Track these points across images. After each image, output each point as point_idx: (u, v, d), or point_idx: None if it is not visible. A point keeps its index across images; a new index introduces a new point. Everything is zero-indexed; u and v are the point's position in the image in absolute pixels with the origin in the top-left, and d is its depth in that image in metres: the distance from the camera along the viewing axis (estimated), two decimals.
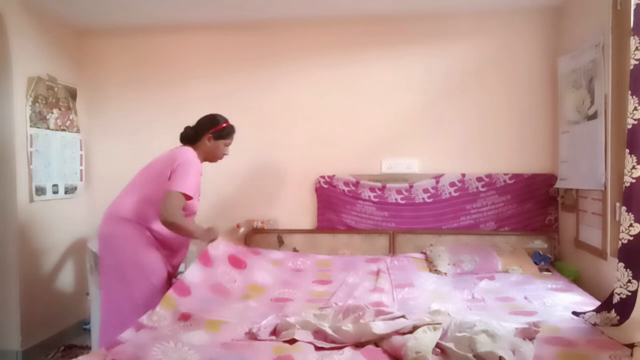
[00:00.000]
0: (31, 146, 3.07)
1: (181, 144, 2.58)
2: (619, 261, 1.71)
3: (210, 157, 2.60)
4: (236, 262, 2.49)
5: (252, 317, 1.96)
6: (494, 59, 3.29)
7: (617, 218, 2.32)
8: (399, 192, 3.33)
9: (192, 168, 2.38)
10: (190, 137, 2.57)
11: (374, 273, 2.75)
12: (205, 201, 3.64)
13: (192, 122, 3.57)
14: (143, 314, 1.92)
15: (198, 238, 2.40)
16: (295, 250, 3.35)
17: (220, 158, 2.63)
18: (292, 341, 1.67)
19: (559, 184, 3.06)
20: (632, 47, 1.76)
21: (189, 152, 2.45)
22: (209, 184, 3.55)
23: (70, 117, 3.46)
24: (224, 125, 2.58)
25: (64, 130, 3.38)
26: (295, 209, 3.48)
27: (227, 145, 2.60)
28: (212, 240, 2.42)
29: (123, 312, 2.27)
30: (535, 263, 2.95)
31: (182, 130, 2.61)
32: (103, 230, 2.42)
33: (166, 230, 2.32)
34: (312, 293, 2.45)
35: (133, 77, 3.64)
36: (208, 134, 2.53)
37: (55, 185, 3.29)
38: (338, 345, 1.64)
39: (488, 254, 2.95)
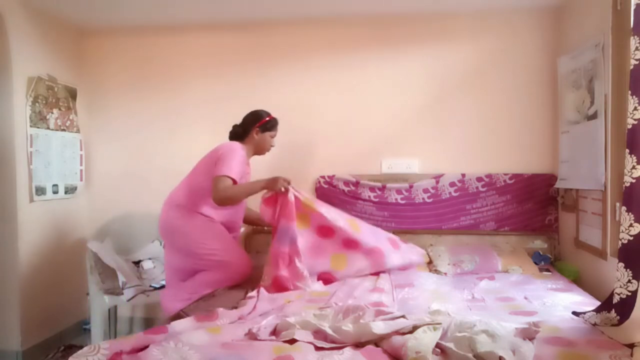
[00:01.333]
0: (31, 146, 3.08)
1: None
2: (619, 261, 1.71)
3: (260, 149, 2.81)
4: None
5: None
6: (494, 59, 3.29)
7: (617, 218, 2.32)
8: (399, 192, 3.33)
9: (235, 155, 2.57)
10: (239, 133, 2.79)
11: (374, 273, 2.75)
12: None
13: (191, 122, 3.60)
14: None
15: (265, 187, 2.56)
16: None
17: (268, 150, 2.84)
18: (292, 341, 1.67)
19: (559, 184, 3.06)
20: (632, 47, 1.75)
21: (233, 143, 2.68)
22: None
23: (70, 117, 3.46)
24: (268, 118, 2.79)
25: (64, 130, 3.38)
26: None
27: (272, 137, 2.81)
28: (281, 187, 2.54)
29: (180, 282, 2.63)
30: (536, 263, 2.95)
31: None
32: (162, 218, 2.68)
33: (217, 213, 2.60)
34: (313, 293, 2.45)
35: (133, 77, 3.64)
36: (255, 127, 2.75)
37: (55, 185, 3.29)
38: (338, 345, 1.64)
39: (488, 254, 2.95)
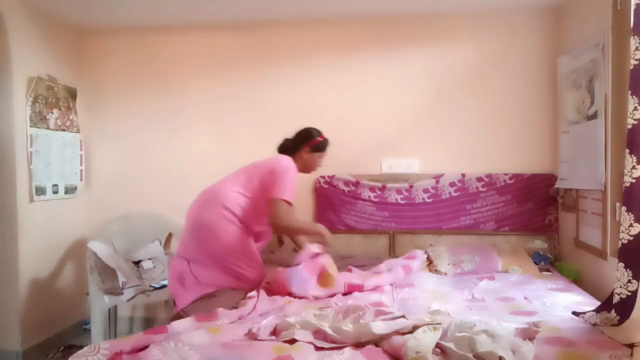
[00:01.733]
0: (31, 146, 3.07)
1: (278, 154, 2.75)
2: (619, 261, 1.71)
3: (306, 168, 2.78)
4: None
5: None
6: (494, 59, 3.29)
7: (617, 218, 2.32)
8: (399, 192, 3.33)
9: (292, 175, 2.56)
10: (289, 148, 2.75)
11: (374, 273, 2.75)
12: None
13: (191, 122, 3.61)
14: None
15: (315, 234, 2.57)
16: (295, 250, 3.34)
17: (315, 169, 2.82)
18: (292, 341, 1.67)
19: (559, 184, 3.06)
20: (632, 47, 1.76)
21: (288, 161, 2.62)
22: (208, 182, 3.56)
23: (70, 117, 3.46)
24: (320, 139, 2.76)
25: (64, 130, 3.38)
26: (295, 209, 3.47)
27: (320, 157, 2.79)
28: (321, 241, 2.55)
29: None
30: (536, 263, 2.95)
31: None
32: (201, 213, 2.54)
33: (259, 223, 2.55)
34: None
35: (133, 77, 3.64)
36: (305, 146, 2.72)
37: (55, 185, 3.29)
38: (338, 345, 1.64)
39: (488, 254, 2.95)
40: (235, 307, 2.10)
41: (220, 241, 2.47)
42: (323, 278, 2.44)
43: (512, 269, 2.82)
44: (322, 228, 2.62)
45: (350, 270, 2.66)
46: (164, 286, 3.01)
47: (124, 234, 3.47)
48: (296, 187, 2.58)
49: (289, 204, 2.47)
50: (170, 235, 3.52)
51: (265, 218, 2.49)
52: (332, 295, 2.36)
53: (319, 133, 2.78)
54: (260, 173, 2.58)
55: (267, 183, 2.52)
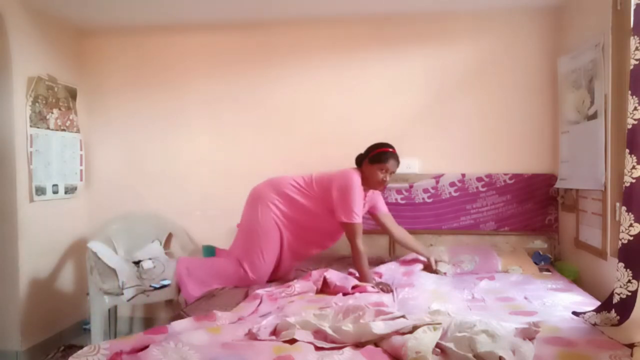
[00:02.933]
0: (31, 146, 3.07)
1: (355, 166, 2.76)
2: (619, 261, 1.71)
3: (368, 182, 2.67)
4: None
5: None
6: (494, 59, 3.29)
7: (617, 218, 2.32)
8: (399, 192, 3.33)
9: (358, 191, 2.57)
10: (358, 160, 2.75)
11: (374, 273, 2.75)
12: (205, 201, 3.64)
13: (191, 122, 3.60)
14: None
15: (367, 282, 2.50)
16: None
17: (381, 185, 2.68)
18: (292, 341, 1.67)
19: (559, 184, 3.06)
20: (632, 47, 1.75)
21: (350, 175, 2.61)
22: (208, 182, 3.56)
23: (70, 117, 3.46)
24: (379, 150, 2.66)
25: (64, 130, 3.38)
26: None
27: (381, 170, 2.62)
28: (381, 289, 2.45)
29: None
30: (536, 263, 2.95)
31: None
32: (265, 192, 2.71)
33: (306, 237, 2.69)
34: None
35: (133, 77, 3.63)
36: (367, 158, 2.67)
37: (55, 185, 3.29)
38: (338, 345, 1.64)
39: (488, 254, 2.95)
40: (237, 304, 2.11)
41: (257, 229, 2.63)
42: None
43: (512, 269, 2.82)
44: (371, 279, 2.54)
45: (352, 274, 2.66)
46: (164, 286, 3.01)
47: (124, 234, 3.47)
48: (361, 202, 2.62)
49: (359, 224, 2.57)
50: (170, 235, 3.52)
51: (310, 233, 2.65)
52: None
53: (385, 145, 2.69)
54: (327, 183, 2.64)
55: (329, 195, 2.60)
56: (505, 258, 2.91)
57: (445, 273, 2.78)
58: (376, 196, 2.85)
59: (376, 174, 2.62)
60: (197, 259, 2.92)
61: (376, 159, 2.63)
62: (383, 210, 2.90)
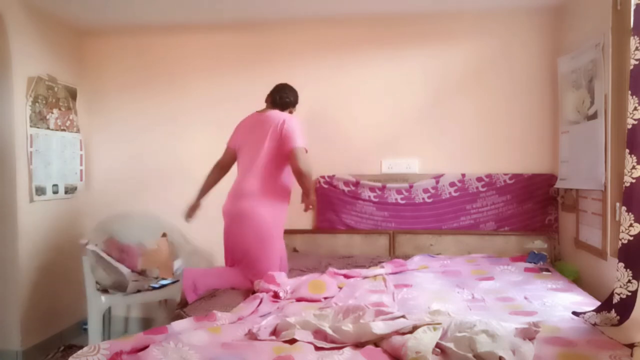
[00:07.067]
0: (31, 146, 3.08)
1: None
2: (619, 261, 1.71)
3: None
4: None
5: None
6: (494, 59, 3.29)
7: (617, 218, 2.32)
8: (399, 192, 3.33)
9: (298, 123, 2.73)
10: (287, 105, 2.93)
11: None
12: (205, 200, 3.64)
13: (191, 122, 3.60)
14: None
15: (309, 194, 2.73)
16: (295, 250, 3.35)
17: None
18: (292, 341, 1.67)
19: (559, 184, 3.06)
20: (632, 47, 1.75)
21: (293, 117, 2.80)
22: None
23: (70, 117, 3.46)
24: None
25: (64, 130, 3.38)
26: (295, 209, 3.47)
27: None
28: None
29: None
30: (534, 263, 2.92)
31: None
32: (237, 206, 2.76)
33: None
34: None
35: (133, 77, 3.64)
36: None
37: (55, 185, 3.29)
38: (338, 345, 1.64)
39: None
40: (237, 304, 2.11)
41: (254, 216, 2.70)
42: (313, 285, 2.44)
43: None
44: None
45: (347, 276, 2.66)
46: (163, 286, 3.01)
47: (123, 234, 3.46)
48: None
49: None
50: (164, 235, 3.51)
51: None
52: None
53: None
54: (261, 134, 2.74)
55: (273, 139, 2.69)
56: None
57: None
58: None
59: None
60: (203, 271, 2.87)
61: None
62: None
